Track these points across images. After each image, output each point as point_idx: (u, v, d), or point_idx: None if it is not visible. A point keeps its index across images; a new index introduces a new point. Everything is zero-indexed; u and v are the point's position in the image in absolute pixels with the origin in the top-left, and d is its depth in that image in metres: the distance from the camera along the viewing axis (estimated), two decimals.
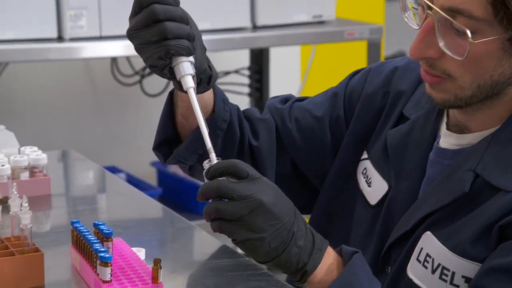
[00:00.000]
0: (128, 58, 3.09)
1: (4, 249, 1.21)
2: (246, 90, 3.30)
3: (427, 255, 1.15)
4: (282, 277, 1.29)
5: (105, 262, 1.13)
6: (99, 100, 3.21)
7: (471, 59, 1.10)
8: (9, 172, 1.57)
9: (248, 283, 1.22)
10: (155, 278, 1.13)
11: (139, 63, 3.10)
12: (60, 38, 2.49)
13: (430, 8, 1.11)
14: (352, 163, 1.34)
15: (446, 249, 1.13)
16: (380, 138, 1.31)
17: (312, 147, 1.38)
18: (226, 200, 1.05)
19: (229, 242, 1.28)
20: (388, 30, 3.37)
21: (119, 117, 3.24)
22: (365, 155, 1.33)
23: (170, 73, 1.17)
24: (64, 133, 3.15)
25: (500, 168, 1.13)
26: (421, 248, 1.16)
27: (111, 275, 1.13)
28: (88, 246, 1.19)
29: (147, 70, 3.12)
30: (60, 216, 1.58)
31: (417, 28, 1.14)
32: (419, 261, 1.16)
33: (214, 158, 1.09)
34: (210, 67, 1.24)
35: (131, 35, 1.16)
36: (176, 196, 3.03)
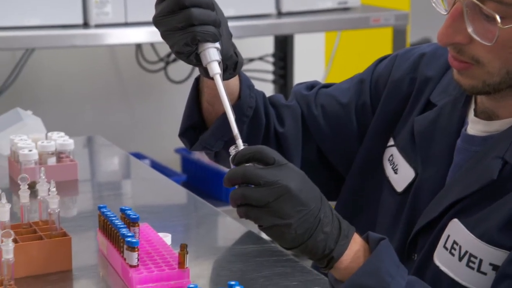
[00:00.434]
0: (152, 45, 3.09)
1: (32, 233, 1.22)
2: (270, 77, 3.29)
3: (454, 242, 1.14)
4: (308, 263, 1.29)
5: (132, 247, 1.14)
6: (124, 86, 3.23)
7: (500, 45, 1.09)
8: (36, 157, 1.59)
9: (273, 269, 1.22)
10: (181, 263, 1.13)
11: (164, 49, 3.11)
12: (85, 25, 2.50)
13: None
14: (378, 150, 1.33)
15: (474, 236, 1.12)
16: (407, 124, 1.30)
17: (338, 134, 1.38)
18: (253, 186, 1.05)
19: (254, 228, 1.29)
20: (414, 16, 3.35)
21: (144, 104, 3.25)
22: (391, 142, 1.32)
23: (196, 60, 1.18)
24: (88, 120, 3.17)
25: None
26: (448, 236, 1.16)
27: (138, 260, 1.14)
28: (115, 231, 1.19)
29: (172, 57, 3.12)
30: (86, 201, 1.60)
31: (445, 13, 1.13)
32: (446, 249, 1.15)
33: (240, 144, 1.09)
34: (236, 53, 1.24)
35: (157, 21, 1.17)
36: (200, 182, 3.04)
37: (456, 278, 1.14)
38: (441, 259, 1.16)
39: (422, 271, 1.19)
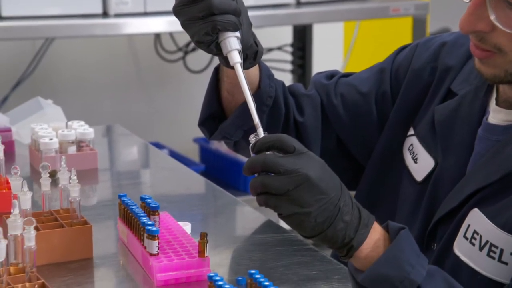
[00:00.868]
0: (171, 34, 3.10)
1: (53, 221, 1.23)
2: (289, 67, 3.29)
3: (475, 232, 1.14)
4: (328, 252, 1.29)
5: (152, 236, 1.14)
6: (143, 76, 3.23)
7: None
8: (57, 146, 1.59)
9: (293, 258, 1.22)
10: (201, 252, 1.13)
11: (183, 39, 3.11)
12: (105, 14, 2.51)
13: None
14: (398, 139, 1.33)
15: (495, 226, 1.12)
16: (427, 114, 1.29)
17: (357, 123, 1.37)
18: (273, 174, 1.05)
19: (274, 217, 1.29)
20: (434, 6, 3.33)
21: (162, 93, 3.26)
22: (411, 131, 1.32)
23: (216, 49, 1.17)
24: (107, 109, 3.18)
25: None
26: (468, 225, 1.15)
27: (158, 248, 1.14)
28: (136, 220, 1.20)
29: (190, 47, 3.12)
30: (106, 190, 1.60)
31: (468, 1, 1.12)
32: (466, 238, 1.15)
33: (261, 133, 1.09)
34: (256, 42, 1.24)
35: (177, 11, 1.16)
36: (218, 172, 3.05)
37: (477, 268, 1.13)
38: (461, 249, 1.16)
39: (442, 260, 1.19)
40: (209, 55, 2.93)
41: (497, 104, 1.20)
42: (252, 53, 1.23)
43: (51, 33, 2.51)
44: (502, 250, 1.11)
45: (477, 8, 1.11)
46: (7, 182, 1.38)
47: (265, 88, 1.31)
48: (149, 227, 1.14)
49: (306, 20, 2.84)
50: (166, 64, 3.17)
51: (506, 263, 1.11)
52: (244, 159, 1.33)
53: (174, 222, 1.27)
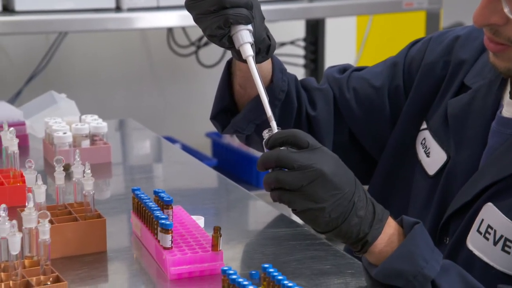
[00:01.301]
0: (184, 29, 3.10)
1: (67, 214, 1.23)
2: (302, 61, 3.28)
3: (489, 226, 1.13)
4: (341, 247, 1.29)
5: (166, 229, 1.14)
6: (155, 70, 3.24)
7: None
8: (70, 139, 1.60)
9: (306, 252, 1.22)
10: (215, 246, 1.14)
11: (195, 33, 3.11)
12: (118, 8, 2.51)
13: None
14: (411, 133, 1.33)
15: (509, 220, 1.11)
16: (440, 108, 1.29)
17: (370, 117, 1.37)
18: (286, 170, 1.05)
19: (287, 211, 1.29)
20: (447, 0, 3.31)
21: (175, 88, 3.26)
22: (424, 125, 1.31)
23: (229, 42, 1.17)
24: (120, 103, 3.18)
25: None
26: (482, 220, 1.15)
27: (171, 242, 1.15)
28: (149, 213, 1.20)
29: (203, 41, 3.12)
30: (119, 184, 1.61)
31: None
32: (480, 233, 1.14)
33: (275, 127, 1.09)
34: (269, 36, 1.24)
35: (189, 5, 1.17)
36: (230, 167, 3.05)
37: (491, 263, 1.13)
38: (475, 243, 1.15)
39: (455, 255, 1.19)
40: (222, 50, 2.93)
41: (511, 97, 1.20)
42: (264, 47, 1.23)
43: (64, 27, 2.51)
44: None
45: (490, 1, 1.10)
46: (22, 176, 1.39)
47: (278, 82, 1.31)
48: (163, 221, 1.15)
49: (319, 14, 2.84)
50: (179, 58, 3.18)
51: None
52: (256, 153, 1.33)
53: (188, 216, 1.27)
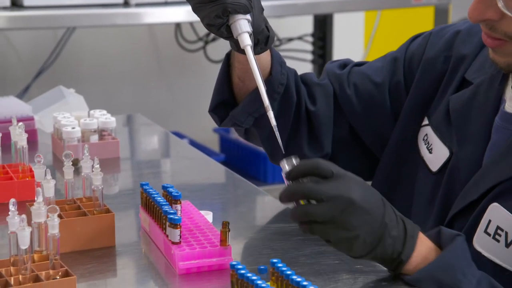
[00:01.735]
0: (192, 24, 3.10)
1: (76, 209, 1.23)
2: (309, 57, 3.28)
3: (498, 228, 1.12)
4: None
5: (174, 224, 1.14)
6: (163, 66, 3.24)
7: None
8: (79, 134, 1.60)
9: (314, 247, 1.22)
10: (223, 241, 1.14)
11: (203, 29, 3.09)
12: (126, 4, 2.51)
13: None
14: (412, 129, 1.32)
15: None
16: (442, 103, 1.28)
17: (371, 113, 1.36)
18: (314, 201, 1.02)
19: None
20: None
21: (183, 83, 3.26)
22: (426, 121, 1.30)
23: (227, 32, 1.17)
24: (128, 98, 3.19)
25: None
26: (489, 220, 1.13)
27: (180, 237, 1.15)
28: (158, 208, 1.20)
29: (211, 36, 3.12)
30: (127, 179, 1.61)
31: None
32: (489, 234, 1.13)
33: (272, 117, 1.08)
34: (268, 27, 1.22)
35: None
36: (238, 162, 3.05)
37: (504, 265, 1.12)
38: (483, 245, 1.14)
39: None
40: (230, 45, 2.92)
41: None
42: (263, 38, 1.22)
43: (72, 22, 2.51)
44: None
45: None
46: (31, 170, 1.39)
47: (277, 75, 1.30)
48: (171, 216, 1.15)
49: (327, 10, 2.83)
50: (187, 53, 3.18)
51: None
52: (261, 148, 1.32)
53: (196, 211, 1.27)
